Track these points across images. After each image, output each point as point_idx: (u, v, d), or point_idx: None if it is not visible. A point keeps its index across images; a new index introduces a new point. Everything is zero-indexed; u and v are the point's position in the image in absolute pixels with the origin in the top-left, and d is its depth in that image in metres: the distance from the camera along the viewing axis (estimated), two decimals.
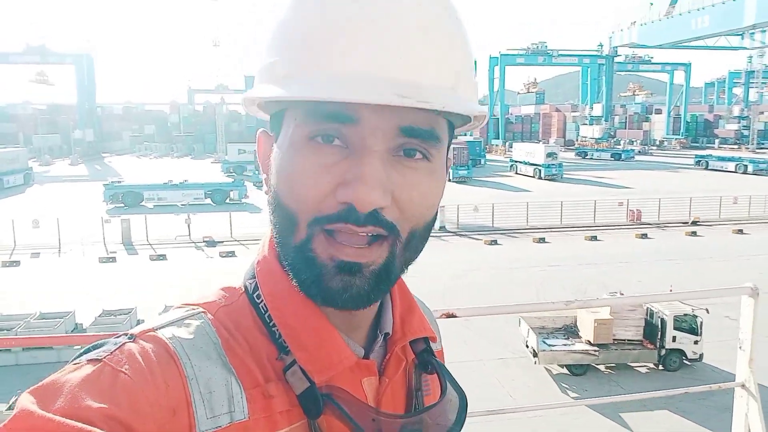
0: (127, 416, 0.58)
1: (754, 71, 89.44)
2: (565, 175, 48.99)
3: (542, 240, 26.65)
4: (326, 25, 0.65)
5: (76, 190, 44.95)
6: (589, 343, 14.34)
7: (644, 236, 27.76)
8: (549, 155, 48.75)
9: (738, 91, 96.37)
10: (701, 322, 14.11)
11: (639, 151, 76.59)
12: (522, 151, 53.54)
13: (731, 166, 55.03)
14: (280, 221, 0.71)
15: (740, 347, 2.34)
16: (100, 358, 0.63)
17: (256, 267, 0.78)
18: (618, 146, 74.16)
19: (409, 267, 0.75)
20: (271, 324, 0.73)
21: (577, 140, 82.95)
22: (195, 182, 37.57)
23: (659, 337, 14.25)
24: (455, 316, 2.17)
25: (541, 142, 66.22)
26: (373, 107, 0.64)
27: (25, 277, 21.65)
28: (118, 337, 0.67)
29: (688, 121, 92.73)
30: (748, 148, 76.66)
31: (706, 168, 57.03)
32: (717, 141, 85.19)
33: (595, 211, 30.03)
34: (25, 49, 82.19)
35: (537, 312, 15.12)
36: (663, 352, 14.22)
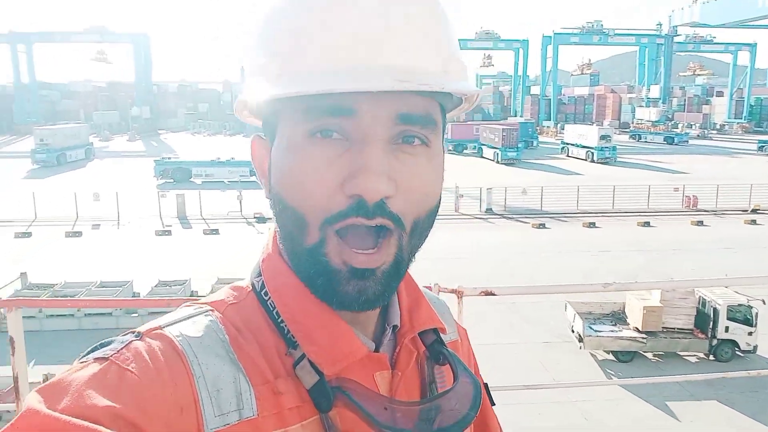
0: (134, 415, 0.58)
1: None
2: (618, 159, 47.72)
3: (592, 225, 26.14)
4: (315, 19, 0.65)
5: (133, 165, 46.47)
6: (638, 330, 14.10)
7: (700, 223, 26.87)
8: (603, 137, 47.44)
9: None
10: (756, 313, 13.65)
11: (698, 135, 73.70)
12: (574, 133, 52.31)
13: None
14: (289, 224, 0.70)
15: None
16: (106, 356, 0.62)
17: (262, 265, 0.78)
18: (675, 129, 71.50)
19: (416, 255, 0.75)
20: (279, 320, 0.73)
21: (632, 123, 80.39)
22: (241, 160, 38.21)
23: (711, 326, 13.88)
24: (493, 294, 2.23)
25: (594, 124, 64.56)
26: (370, 97, 0.64)
27: (86, 247, 22.70)
28: (125, 335, 0.66)
29: (752, 104, 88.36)
30: None
31: None
32: None
33: (648, 197, 29.21)
34: (86, 29, 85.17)
35: (574, 293, 14.95)
36: (714, 342, 13.87)
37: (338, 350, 0.71)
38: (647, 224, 26.34)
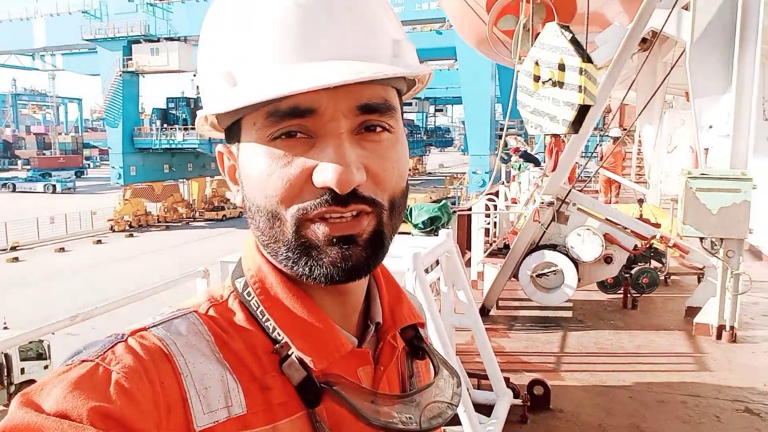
0: (123, 414, 0.56)
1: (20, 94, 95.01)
2: None
3: None
4: (260, 22, 0.65)
5: None
6: None
7: None
8: None
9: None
10: (48, 345, 13.75)
11: None
12: None
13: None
14: (265, 224, 0.69)
15: None
16: (92, 358, 0.61)
17: (244, 265, 0.77)
18: None
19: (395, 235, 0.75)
20: (264, 319, 0.72)
21: None
22: None
23: (6, 374, 13.13)
24: None
25: None
26: (328, 93, 0.63)
27: None
28: (109, 337, 0.65)
29: None
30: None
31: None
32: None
33: None
34: None
35: None
36: (13, 388, 13.23)
37: (324, 346, 0.71)
38: None
